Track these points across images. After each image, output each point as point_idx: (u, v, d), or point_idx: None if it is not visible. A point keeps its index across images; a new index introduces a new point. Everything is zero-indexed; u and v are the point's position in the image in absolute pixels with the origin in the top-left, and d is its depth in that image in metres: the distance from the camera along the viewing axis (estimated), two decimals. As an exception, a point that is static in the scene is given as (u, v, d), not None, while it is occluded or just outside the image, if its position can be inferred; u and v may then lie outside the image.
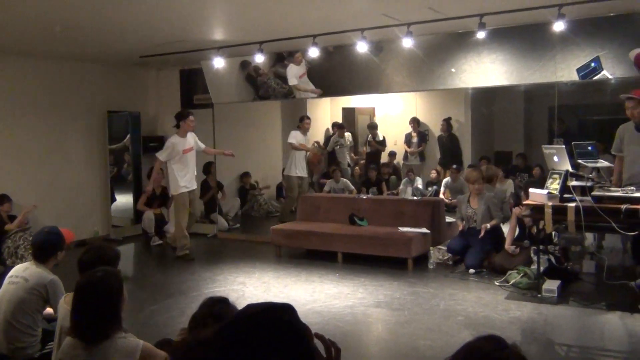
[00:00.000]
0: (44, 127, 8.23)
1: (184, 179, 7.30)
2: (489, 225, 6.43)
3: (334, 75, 7.91)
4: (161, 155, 7.28)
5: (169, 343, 3.02)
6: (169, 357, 2.24)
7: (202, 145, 7.63)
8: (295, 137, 8.78)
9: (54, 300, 3.45)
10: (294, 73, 8.05)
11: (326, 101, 10.90)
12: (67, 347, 2.43)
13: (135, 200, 9.40)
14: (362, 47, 6.61)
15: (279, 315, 1.33)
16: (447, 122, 9.57)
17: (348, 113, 10.98)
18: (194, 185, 7.53)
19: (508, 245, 6.22)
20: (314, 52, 6.85)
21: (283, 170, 9.37)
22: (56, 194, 8.32)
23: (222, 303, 2.22)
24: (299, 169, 8.86)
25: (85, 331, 2.38)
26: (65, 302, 3.02)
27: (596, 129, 8.65)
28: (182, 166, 7.27)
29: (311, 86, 8.04)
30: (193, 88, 9.38)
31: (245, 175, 10.03)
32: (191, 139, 7.39)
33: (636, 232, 5.07)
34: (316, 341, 1.61)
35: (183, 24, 6.21)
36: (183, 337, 2.20)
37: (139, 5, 5.35)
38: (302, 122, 8.89)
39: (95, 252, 3.13)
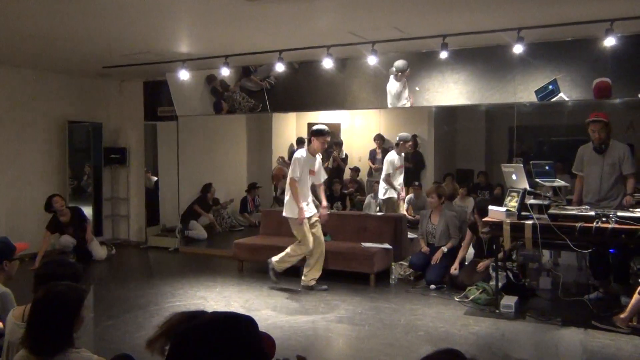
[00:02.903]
0: (0, 136, 8.01)
1: (305, 201, 6.24)
2: (445, 249, 6.55)
3: (299, 91, 7.96)
4: (294, 174, 6.11)
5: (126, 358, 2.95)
6: None
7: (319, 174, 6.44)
8: (391, 159, 7.95)
9: (4, 313, 3.33)
10: (396, 89, 7.17)
11: (292, 116, 10.95)
12: (19, 360, 2.36)
13: (96, 212, 9.23)
14: (327, 63, 6.67)
15: (239, 326, 1.32)
16: (414, 138, 9.70)
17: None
18: (314, 210, 6.38)
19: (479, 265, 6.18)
20: (279, 67, 6.89)
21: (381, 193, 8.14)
22: (12, 205, 8.07)
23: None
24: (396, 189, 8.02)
25: (39, 344, 2.32)
26: (13, 315, 2.91)
27: (554, 149, 8.92)
28: (305, 187, 6.24)
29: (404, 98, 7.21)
30: (157, 100, 9.29)
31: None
32: (319, 160, 6.41)
33: (590, 250, 5.24)
34: None
35: (147, 35, 6.16)
36: None
37: (102, 16, 5.29)
38: (403, 142, 8.06)
39: (52, 267, 2.97)
